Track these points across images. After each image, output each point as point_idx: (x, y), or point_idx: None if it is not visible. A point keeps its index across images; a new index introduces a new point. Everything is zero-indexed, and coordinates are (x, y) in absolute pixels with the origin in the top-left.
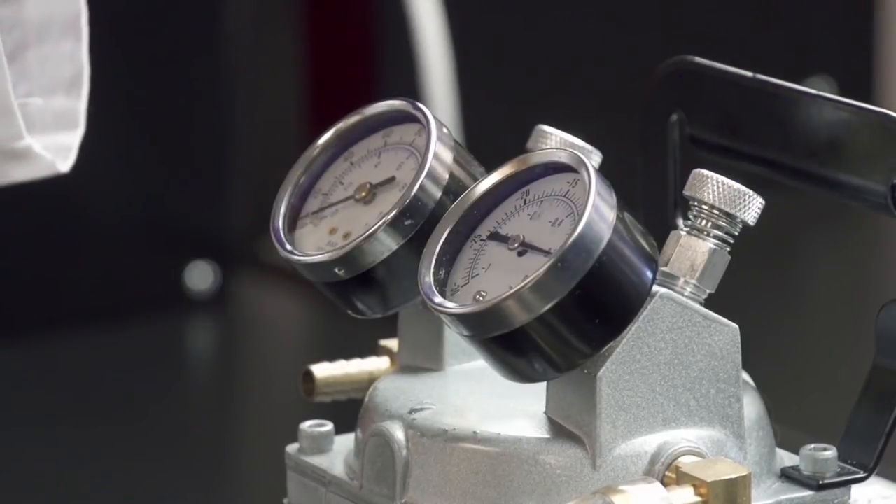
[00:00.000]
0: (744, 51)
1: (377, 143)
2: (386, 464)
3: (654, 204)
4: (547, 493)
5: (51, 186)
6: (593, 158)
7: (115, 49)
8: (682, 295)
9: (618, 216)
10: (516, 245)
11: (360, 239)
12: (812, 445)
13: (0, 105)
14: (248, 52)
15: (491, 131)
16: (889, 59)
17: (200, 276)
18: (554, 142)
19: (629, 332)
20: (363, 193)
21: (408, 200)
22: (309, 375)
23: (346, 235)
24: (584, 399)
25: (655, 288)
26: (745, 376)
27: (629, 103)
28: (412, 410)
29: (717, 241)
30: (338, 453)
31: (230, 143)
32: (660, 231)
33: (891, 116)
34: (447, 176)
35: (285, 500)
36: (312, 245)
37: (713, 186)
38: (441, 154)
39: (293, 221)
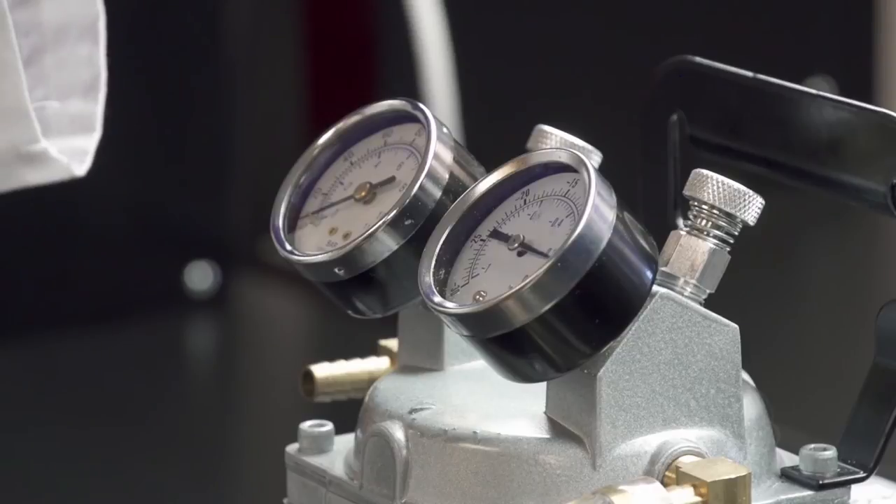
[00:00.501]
0: (744, 51)
1: (377, 143)
2: (386, 464)
3: (654, 204)
4: (547, 493)
5: (51, 186)
6: (593, 158)
7: (115, 49)
8: (682, 295)
9: (618, 216)
10: (516, 245)
11: (360, 239)
12: (812, 445)
13: (15, 108)
14: (248, 52)
15: (491, 131)
16: (889, 59)
17: (200, 276)
18: (554, 142)
19: (629, 332)
20: (363, 193)
21: (408, 200)
22: (309, 375)
23: (346, 235)
24: (584, 399)
25: (655, 288)
26: (745, 376)
27: (629, 103)
28: (412, 410)
29: (717, 241)
30: (338, 453)
31: (230, 143)
32: (660, 231)
33: (891, 116)
34: (447, 176)
35: (285, 500)
36: (312, 245)
37: (713, 186)
38: (441, 154)
39: (293, 221)
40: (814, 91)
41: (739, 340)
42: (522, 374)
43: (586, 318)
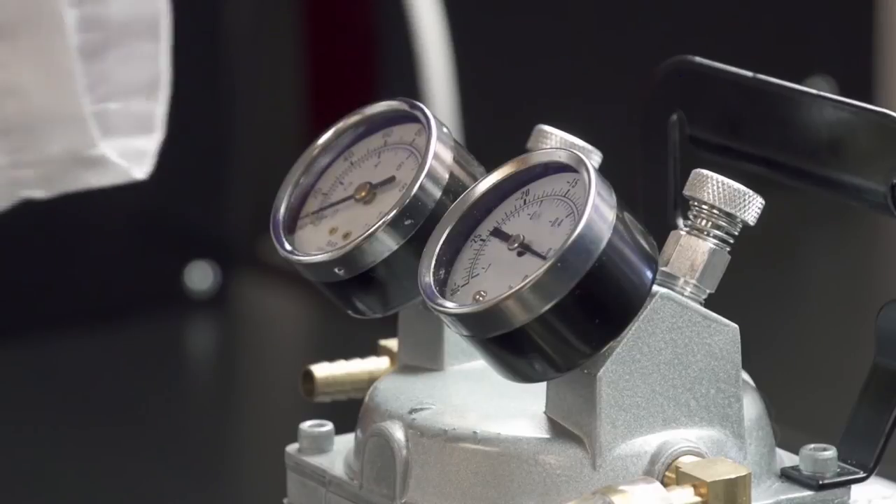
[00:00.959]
0: (744, 51)
1: (377, 143)
2: (386, 464)
3: (654, 204)
4: (547, 493)
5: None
6: (593, 158)
7: None
8: (682, 295)
9: (618, 216)
10: (516, 245)
11: (360, 239)
12: (812, 445)
13: (74, 113)
14: (248, 52)
15: (491, 131)
16: (889, 59)
17: (200, 276)
18: (554, 142)
19: (629, 332)
20: (363, 193)
21: (408, 200)
22: (309, 375)
23: (346, 235)
24: (583, 399)
25: (655, 288)
26: (745, 376)
27: (629, 103)
28: (412, 410)
29: (716, 241)
30: (338, 453)
31: (230, 143)
32: (660, 231)
33: (891, 116)
34: (447, 176)
35: (285, 500)
36: (312, 245)
37: (713, 186)
38: (441, 154)
39: (293, 221)
40: (814, 91)
41: (739, 340)
42: (522, 374)
43: (586, 318)
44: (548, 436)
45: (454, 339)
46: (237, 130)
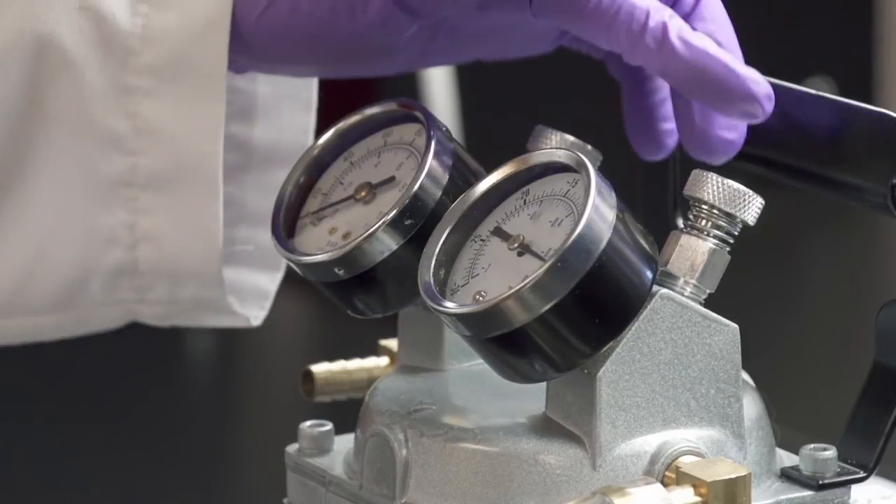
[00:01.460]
0: (744, 51)
1: (377, 143)
2: (386, 464)
3: (654, 204)
4: (547, 493)
5: None
6: (593, 158)
7: None
8: (682, 295)
9: (618, 216)
10: (516, 245)
11: (360, 239)
12: (812, 445)
13: (210, 272)
14: None
15: (491, 131)
16: (889, 59)
17: None
18: (554, 142)
19: (629, 332)
20: (363, 193)
21: (408, 200)
22: (309, 375)
23: (346, 235)
24: (583, 399)
25: (655, 288)
26: (745, 376)
27: None
28: (412, 410)
29: (716, 241)
30: (338, 453)
31: None
32: (660, 231)
33: (891, 116)
34: (447, 176)
35: (285, 500)
36: (312, 245)
37: (713, 186)
38: (441, 154)
39: (293, 221)
40: (814, 91)
41: (739, 340)
42: (522, 374)
43: (586, 318)
44: (548, 436)
45: (454, 339)
46: None
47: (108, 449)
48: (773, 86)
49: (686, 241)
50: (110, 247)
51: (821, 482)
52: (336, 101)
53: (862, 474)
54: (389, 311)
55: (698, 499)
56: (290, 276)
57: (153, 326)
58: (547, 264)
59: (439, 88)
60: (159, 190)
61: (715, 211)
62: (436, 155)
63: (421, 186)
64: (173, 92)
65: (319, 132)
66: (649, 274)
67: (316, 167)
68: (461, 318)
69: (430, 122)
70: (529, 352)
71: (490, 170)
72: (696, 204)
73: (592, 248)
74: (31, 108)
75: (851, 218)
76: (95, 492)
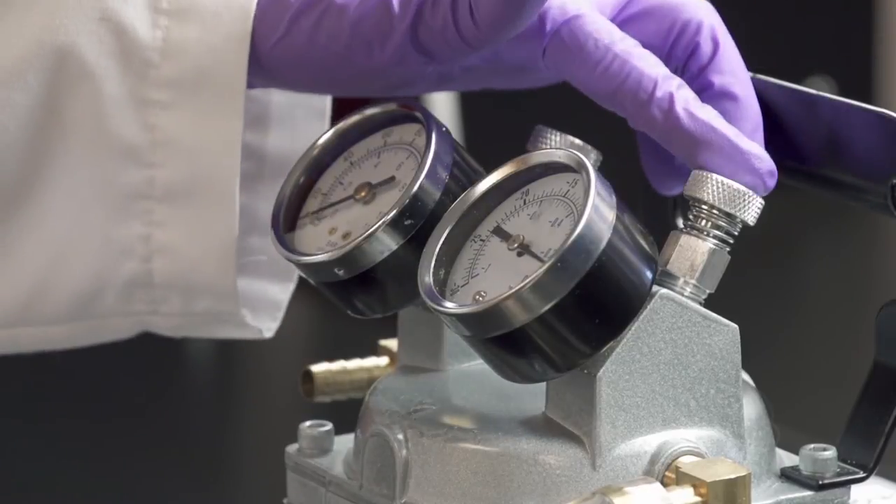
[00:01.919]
0: (744, 51)
1: (377, 143)
2: (386, 464)
3: (654, 204)
4: (547, 493)
5: None
6: (593, 158)
7: None
8: (682, 295)
9: (617, 216)
10: (516, 245)
11: (360, 239)
12: (812, 445)
13: (223, 285)
14: None
15: (491, 131)
16: (889, 59)
17: None
18: (554, 142)
19: (629, 332)
20: (363, 193)
21: (407, 200)
22: (309, 375)
23: (345, 235)
24: (583, 399)
25: (655, 288)
26: (745, 376)
27: None
28: (412, 410)
29: (716, 241)
30: (338, 453)
31: None
32: (660, 231)
33: (891, 116)
34: (447, 176)
35: (285, 500)
36: (312, 245)
37: (713, 186)
38: (441, 154)
39: (293, 221)
40: (814, 91)
41: (739, 340)
42: (522, 375)
43: (586, 318)
44: (548, 436)
45: (454, 339)
46: None
47: (108, 449)
48: (773, 86)
49: (686, 241)
50: (125, 258)
51: (821, 482)
52: (336, 101)
53: (862, 474)
54: (389, 311)
55: (698, 499)
56: None
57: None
58: (547, 264)
59: None
60: (175, 203)
61: (715, 211)
62: (436, 155)
63: (421, 186)
64: (192, 105)
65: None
66: (649, 274)
67: (316, 167)
68: (461, 319)
69: (430, 122)
70: (529, 352)
71: (490, 170)
72: (696, 204)
73: (592, 248)
74: (50, 118)
75: (851, 218)
76: (95, 492)
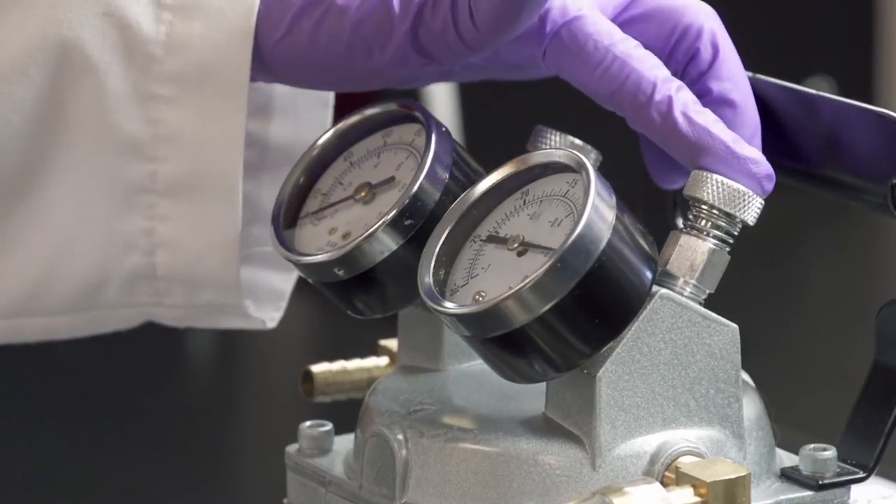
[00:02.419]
0: (744, 51)
1: (377, 143)
2: (386, 464)
3: (654, 204)
4: (547, 493)
5: None
6: (593, 158)
7: None
8: (682, 295)
9: (617, 216)
10: (516, 245)
11: (359, 239)
12: (812, 445)
13: (227, 279)
14: None
15: (491, 131)
16: (889, 59)
17: None
18: (554, 142)
19: (629, 332)
20: (363, 193)
21: (407, 200)
22: (309, 375)
23: (345, 235)
24: (583, 399)
25: (655, 288)
26: (745, 376)
27: None
28: (412, 410)
29: (716, 241)
30: (338, 453)
31: None
32: (660, 231)
33: (891, 116)
34: (447, 176)
35: (285, 500)
36: (312, 245)
37: (713, 186)
38: (441, 154)
39: (293, 221)
40: (814, 91)
41: (739, 340)
42: (522, 375)
43: (586, 318)
44: (548, 436)
45: (454, 339)
46: None
47: (108, 448)
48: (773, 86)
49: (686, 241)
50: (128, 252)
51: (821, 482)
52: (336, 100)
53: (862, 474)
54: (389, 312)
55: (698, 499)
56: None
57: (160, 325)
58: (547, 264)
59: (439, 88)
60: (179, 197)
61: (715, 211)
62: (436, 155)
63: (421, 187)
64: (195, 100)
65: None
66: (649, 274)
67: (316, 167)
68: (461, 319)
69: (430, 122)
70: (529, 352)
71: (490, 170)
72: (696, 204)
73: (592, 248)
74: (53, 112)
75: (851, 218)
76: (95, 491)
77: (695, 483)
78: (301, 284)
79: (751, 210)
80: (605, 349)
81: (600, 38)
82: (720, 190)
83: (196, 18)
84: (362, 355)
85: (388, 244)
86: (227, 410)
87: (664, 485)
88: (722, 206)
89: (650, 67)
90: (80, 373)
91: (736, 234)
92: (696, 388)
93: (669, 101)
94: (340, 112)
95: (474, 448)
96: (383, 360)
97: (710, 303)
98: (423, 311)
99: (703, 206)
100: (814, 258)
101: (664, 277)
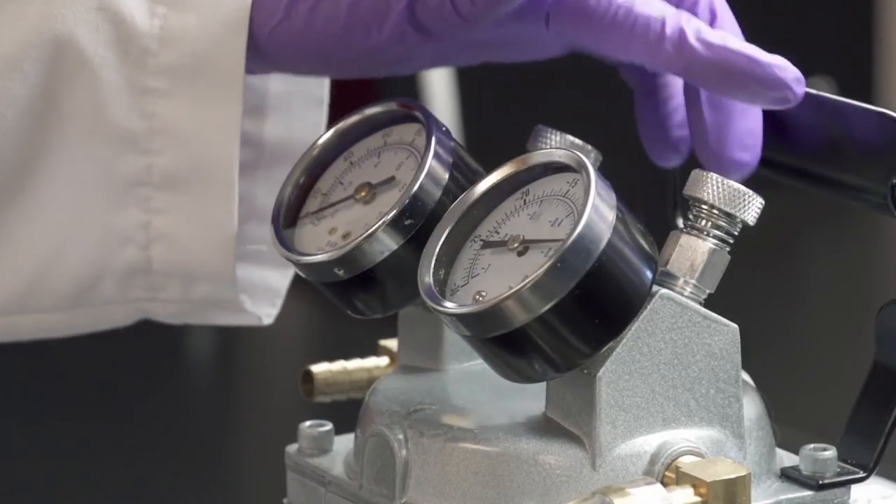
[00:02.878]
0: None
1: (377, 143)
2: (386, 464)
3: (654, 204)
4: (547, 493)
5: None
6: (593, 158)
7: None
8: (682, 295)
9: (617, 216)
10: (516, 245)
11: (360, 239)
12: (812, 445)
13: (222, 272)
14: None
15: (491, 131)
16: (889, 59)
17: None
18: (554, 142)
19: (629, 332)
20: (363, 193)
21: (407, 200)
22: (309, 375)
23: (345, 235)
24: (583, 399)
25: (655, 288)
26: (745, 376)
27: (629, 103)
28: (412, 410)
29: (716, 241)
30: (338, 453)
31: None
32: (660, 231)
33: (891, 116)
34: (447, 176)
35: (285, 500)
36: (312, 245)
37: (713, 186)
38: (441, 154)
39: (293, 221)
40: (814, 91)
41: (739, 340)
42: (522, 375)
43: (586, 318)
44: (548, 436)
45: (454, 339)
46: None
47: (108, 449)
48: None
49: (686, 241)
50: (124, 246)
51: (821, 482)
52: (336, 100)
53: (862, 474)
54: (389, 312)
55: (698, 499)
56: None
57: (159, 325)
58: (547, 264)
59: (439, 88)
60: (174, 190)
61: (715, 211)
62: (436, 155)
63: (421, 186)
64: (190, 93)
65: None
66: (649, 274)
67: (316, 167)
68: (461, 319)
69: (430, 122)
70: (529, 352)
71: (490, 170)
72: (696, 204)
73: (592, 248)
74: (48, 107)
75: (851, 218)
76: (95, 491)
77: (695, 483)
78: (301, 284)
79: (751, 210)
80: (605, 349)
81: None
82: (720, 190)
83: (190, 11)
84: (362, 355)
85: (388, 244)
86: (227, 410)
87: (664, 485)
88: (722, 206)
89: (656, 8)
90: (80, 373)
91: (736, 233)
92: (697, 388)
93: (681, 32)
94: (339, 112)
95: (474, 448)
96: (383, 360)
97: (710, 303)
98: (423, 311)
99: (703, 206)
100: (814, 258)
101: (664, 277)
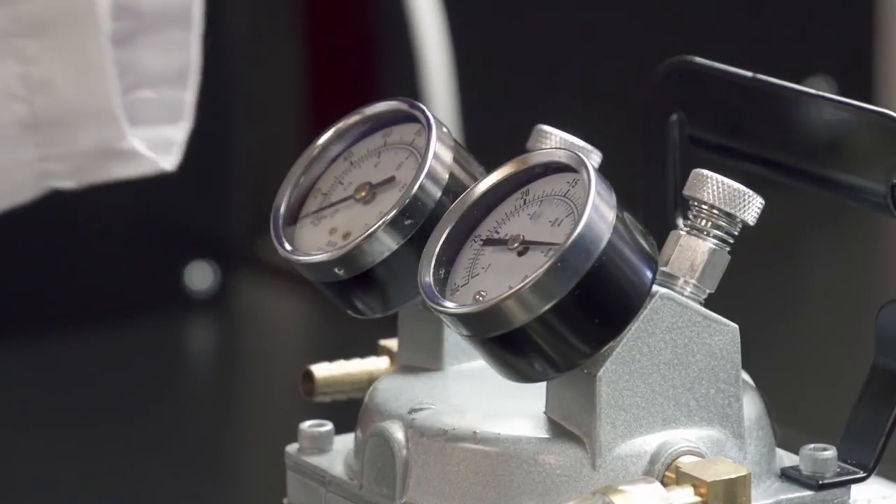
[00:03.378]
0: (744, 51)
1: (377, 143)
2: (386, 464)
3: (654, 204)
4: (547, 493)
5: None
6: (593, 158)
7: None
8: (682, 295)
9: (618, 216)
10: (516, 245)
11: (359, 239)
12: (812, 445)
13: (104, 108)
14: (247, 51)
15: (491, 131)
16: (889, 59)
17: (200, 276)
18: (554, 142)
19: (629, 331)
20: (363, 193)
21: (408, 200)
22: (309, 375)
23: (345, 235)
24: (583, 399)
25: (655, 288)
26: (745, 376)
27: (629, 103)
28: (412, 410)
29: (716, 241)
30: (338, 453)
31: (230, 143)
32: (660, 231)
33: (891, 116)
34: (447, 176)
35: (285, 500)
36: (312, 245)
37: (713, 186)
38: (441, 154)
39: (293, 221)
40: (814, 91)
41: (739, 340)
42: (522, 374)
43: (586, 318)
44: (548, 436)
45: (454, 339)
46: (237, 130)
47: (107, 448)
48: (774, 86)
49: (686, 241)
50: (9, 104)
51: (821, 482)
52: (336, 100)
53: (862, 474)
54: (389, 311)
55: (698, 499)
56: (289, 275)
57: (158, 322)
58: (547, 264)
59: (439, 88)
60: (44, 36)
61: (715, 211)
62: (436, 155)
63: (421, 186)
64: None
65: (319, 132)
66: (649, 274)
67: (316, 167)
68: (461, 318)
69: (430, 122)
70: (529, 352)
71: (490, 170)
72: (696, 204)
73: (592, 248)
74: None
75: (851, 218)
76: (94, 491)
77: (695, 483)
78: (301, 284)
79: (751, 210)
80: (605, 349)
81: None
82: (720, 190)
83: None
84: (362, 355)
85: (389, 244)
86: (227, 410)
87: (664, 484)
88: (722, 206)
89: None
90: (79, 372)
91: (736, 234)
92: (697, 388)
93: None
94: (340, 112)
95: (474, 448)
96: (383, 360)
97: (710, 303)
98: (423, 311)
99: (704, 206)
100: (814, 258)
101: (664, 277)
